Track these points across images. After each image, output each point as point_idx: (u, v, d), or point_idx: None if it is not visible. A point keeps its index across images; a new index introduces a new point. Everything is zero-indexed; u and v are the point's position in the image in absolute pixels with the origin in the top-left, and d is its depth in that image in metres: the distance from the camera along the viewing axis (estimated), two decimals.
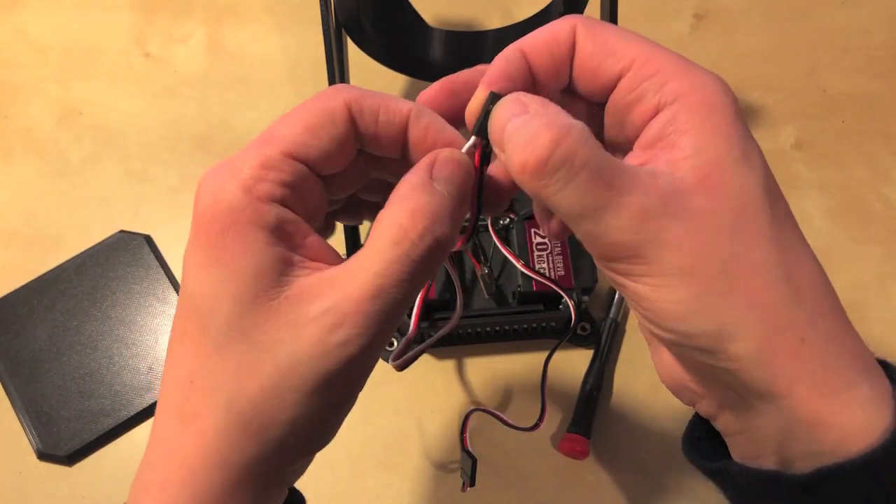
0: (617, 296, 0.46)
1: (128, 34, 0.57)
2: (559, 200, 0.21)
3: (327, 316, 0.21)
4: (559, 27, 0.24)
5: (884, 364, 0.23)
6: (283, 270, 0.22)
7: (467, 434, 0.42)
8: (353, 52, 0.43)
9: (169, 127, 0.53)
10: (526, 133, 0.21)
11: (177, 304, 0.23)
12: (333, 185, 0.25)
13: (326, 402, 0.22)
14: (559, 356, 0.43)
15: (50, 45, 0.56)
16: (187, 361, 0.22)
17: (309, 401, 0.21)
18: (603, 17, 0.41)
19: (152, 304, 0.47)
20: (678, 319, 0.21)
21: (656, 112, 0.22)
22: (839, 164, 0.51)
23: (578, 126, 0.21)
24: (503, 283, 0.44)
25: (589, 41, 0.24)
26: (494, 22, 0.56)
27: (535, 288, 0.42)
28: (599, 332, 0.45)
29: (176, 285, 0.48)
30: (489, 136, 0.23)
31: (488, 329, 0.43)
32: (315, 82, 0.55)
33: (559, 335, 0.44)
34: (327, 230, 0.28)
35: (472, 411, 0.43)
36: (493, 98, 0.23)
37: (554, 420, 0.44)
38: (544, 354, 0.41)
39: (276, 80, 0.55)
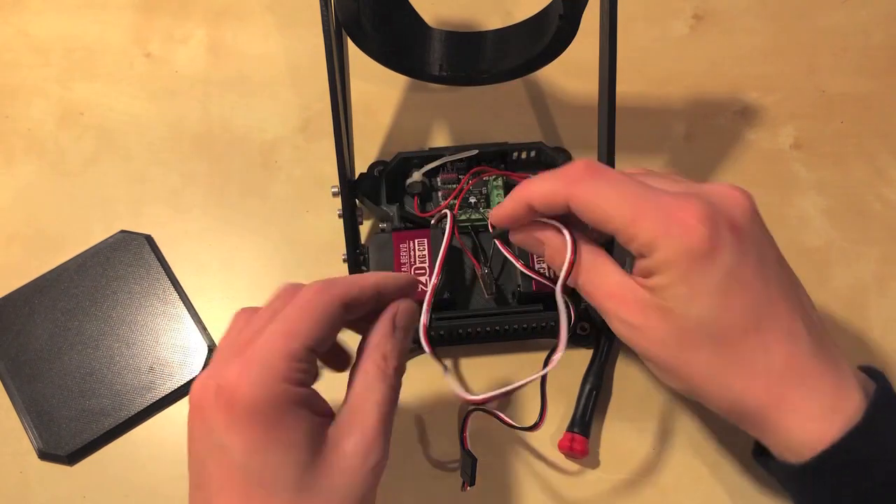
0: None
1: (128, 35, 0.57)
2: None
3: (359, 447, 0.29)
4: (554, 193, 0.33)
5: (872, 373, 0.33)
6: (319, 431, 0.29)
7: (467, 434, 0.42)
8: (353, 53, 0.44)
9: (170, 127, 0.54)
10: None
11: (221, 478, 0.28)
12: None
13: None
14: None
15: (50, 46, 0.57)
16: None
17: None
18: (602, 18, 0.41)
19: (153, 304, 0.47)
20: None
21: (640, 256, 0.32)
22: (838, 164, 0.51)
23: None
24: (503, 283, 0.44)
25: (580, 211, 0.32)
26: (494, 22, 0.56)
27: (534, 288, 0.42)
28: (599, 332, 0.45)
29: (176, 285, 0.48)
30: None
31: (488, 329, 0.44)
32: (315, 82, 0.55)
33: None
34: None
35: (471, 411, 0.43)
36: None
37: (554, 420, 0.44)
38: (544, 354, 0.42)
39: (277, 80, 0.55)
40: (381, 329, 0.32)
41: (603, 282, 0.33)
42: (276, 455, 0.27)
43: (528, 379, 0.36)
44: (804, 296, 0.33)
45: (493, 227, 0.39)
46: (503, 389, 0.36)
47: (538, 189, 0.33)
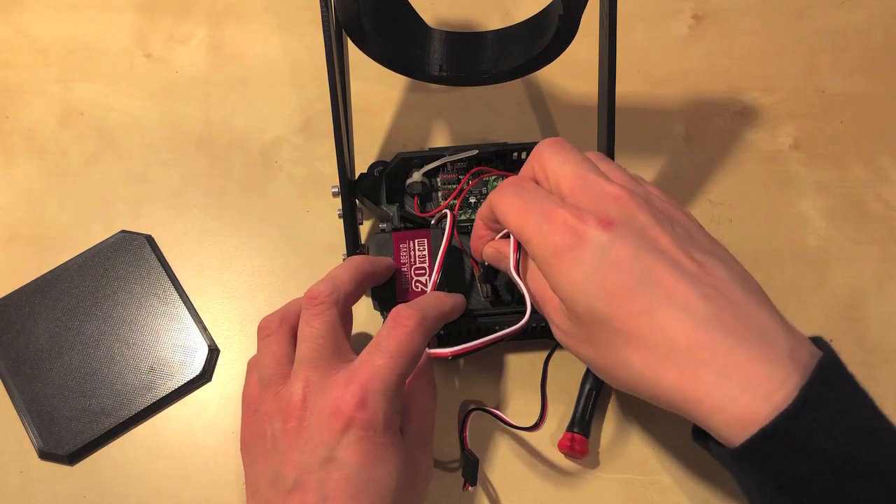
0: None
1: (129, 35, 0.57)
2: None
3: (429, 462, 0.38)
4: (487, 205, 0.38)
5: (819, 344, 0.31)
6: (405, 449, 0.36)
7: (467, 434, 0.42)
8: (353, 53, 0.44)
9: (170, 127, 0.54)
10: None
11: (331, 487, 0.32)
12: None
13: None
14: (559, 356, 0.43)
15: (51, 46, 0.57)
16: None
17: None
18: (602, 18, 0.41)
19: (153, 304, 0.47)
20: None
21: None
22: (837, 164, 0.51)
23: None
24: (502, 283, 0.44)
25: (498, 218, 0.37)
26: (494, 22, 0.56)
27: None
28: None
29: (177, 285, 0.48)
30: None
31: (487, 329, 0.44)
32: (315, 83, 0.55)
33: None
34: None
35: (471, 411, 0.43)
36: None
37: (554, 420, 0.44)
38: (544, 354, 0.42)
39: (277, 80, 0.55)
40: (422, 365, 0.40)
41: (541, 287, 0.35)
42: (387, 468, 0.33)
43: (501, 333, 0.38)
44: (723, 270, 0.32)
45: (478, 268, 0.43)
46: (473, 343, 0.38)
47: (482, 207, 0.39)
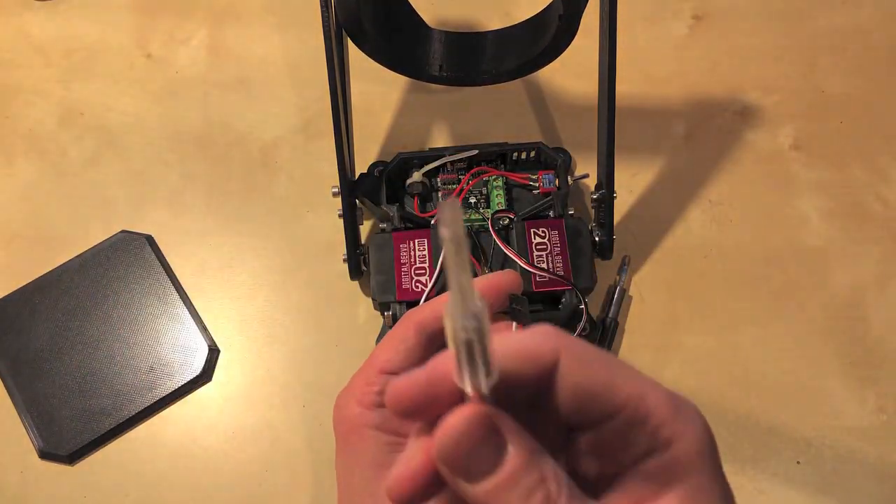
0: (616, 295, 0.46)
1: (129, 35, 0.57)
2: None
3: None
4: (540, 347, 0.22)
5: None
6: (393, 450, 0.29)
7: None
8: (353, 53, 0.44)
9: (170, 127, 0.54)
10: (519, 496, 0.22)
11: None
12: None
13: None
14: None
15: (51, 46, 0.57)
16: None
17: None
18: (602, 18, 0.41)
19: (153, 304, 0.47)
20: None
21: (646, 455, 0.22)
22: (838, 164, 0.51)
23: (562, 483, 0.22)
24: None
25: (577, 374, 0.22)
26: (494, 23, 0.56)
27: (534, 288, 0.42)
28: (598, 332, 0.45)
29: (177, 285, 0.48)
30: (445, 462, 0.22)
31: None
32: (315, 83, 0.55)
33: None
34: None
35: None
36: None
37: None
38: None
39: (277, 80, 0.55)
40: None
41: None
42: (344, 465, 0.30)
43: None
44: None
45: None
46: None
47: (512, 343, 0.22)
